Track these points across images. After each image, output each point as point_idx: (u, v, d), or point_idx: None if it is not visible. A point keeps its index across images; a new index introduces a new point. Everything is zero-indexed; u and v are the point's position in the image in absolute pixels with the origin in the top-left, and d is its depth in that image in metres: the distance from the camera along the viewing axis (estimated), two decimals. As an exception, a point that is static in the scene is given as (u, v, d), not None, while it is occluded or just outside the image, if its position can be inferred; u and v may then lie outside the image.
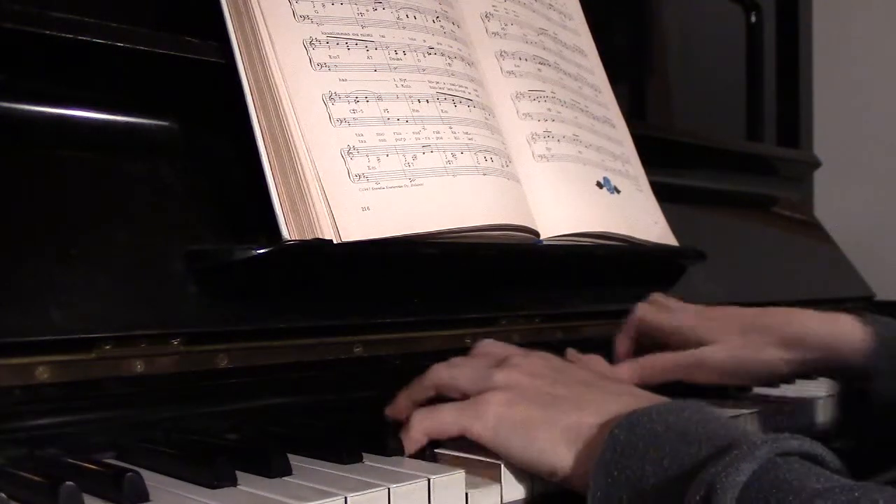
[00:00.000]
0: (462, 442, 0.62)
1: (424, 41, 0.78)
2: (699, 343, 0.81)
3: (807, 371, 0.83)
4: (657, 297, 0.89)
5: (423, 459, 0.61)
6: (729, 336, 0.81)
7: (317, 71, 0.71)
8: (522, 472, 0.59)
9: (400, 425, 0.64)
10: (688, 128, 1.32)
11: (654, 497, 0.51)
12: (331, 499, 0.50)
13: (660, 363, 0.82)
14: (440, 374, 0.67)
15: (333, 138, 0.69)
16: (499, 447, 0.60)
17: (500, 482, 0.58)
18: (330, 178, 0.68)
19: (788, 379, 0.85)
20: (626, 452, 0.53)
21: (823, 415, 0.88)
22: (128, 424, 0.64)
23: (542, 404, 0.60)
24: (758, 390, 0.90)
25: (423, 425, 0.62)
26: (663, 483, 0.50)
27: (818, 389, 0.91)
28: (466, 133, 0.77)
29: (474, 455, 0.60)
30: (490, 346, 0.70)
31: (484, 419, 0.60)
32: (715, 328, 0.82)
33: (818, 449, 0.50)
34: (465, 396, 0.64)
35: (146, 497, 0.50)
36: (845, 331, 0.79)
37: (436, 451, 0.62)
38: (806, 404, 0.88)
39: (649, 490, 0.51)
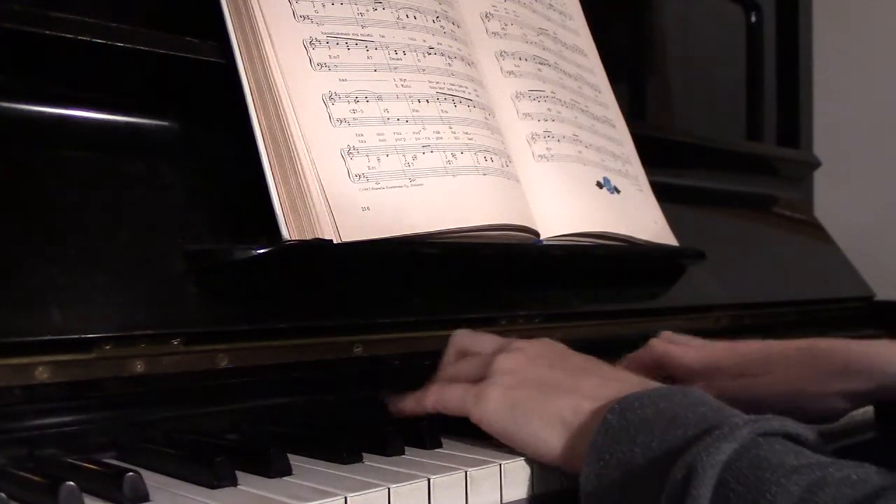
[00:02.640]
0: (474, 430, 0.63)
1: (424, 41, 0.78)
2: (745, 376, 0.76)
3: (861, 403, 0.78)
4: (669, 334, 0.85)
5: (424, 448, 0.62)
6: (776, 370, 0.76)
7: (317, 71, 0.71)
8: (522, 472, 0.59)
9: (402, 422, 0.66)
10: (688, 128, 1.32)
11: (643, 478, 0.52)
12: (331, 499, 0.50)
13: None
14: (447, 369, 0.69)
15: (333, 138, 0.69)
16: (497, 431, 0.61)
17: (500, 481, 0.58)
18: (330, 178, 0.68)
19: (845, 413, 0.78)
20: (617, 436, 0.54)
21: None
22: (128, 424, 0.64)
23: (540, 388, 0.61)
24: None
25: (435, 398, 0.65)
26: (651, 464, 0.52)
27: None
28: (466, 133, 0.77)
29: (476, 454, 0.60)
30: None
31: (484, 403, 0.62)
32: (760, 363, 0.77)
33: (799, 429, 0.51)
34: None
35: (146, 497, 0.50)
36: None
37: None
38: None
39: (638, 472, 0.52)
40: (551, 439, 0.59)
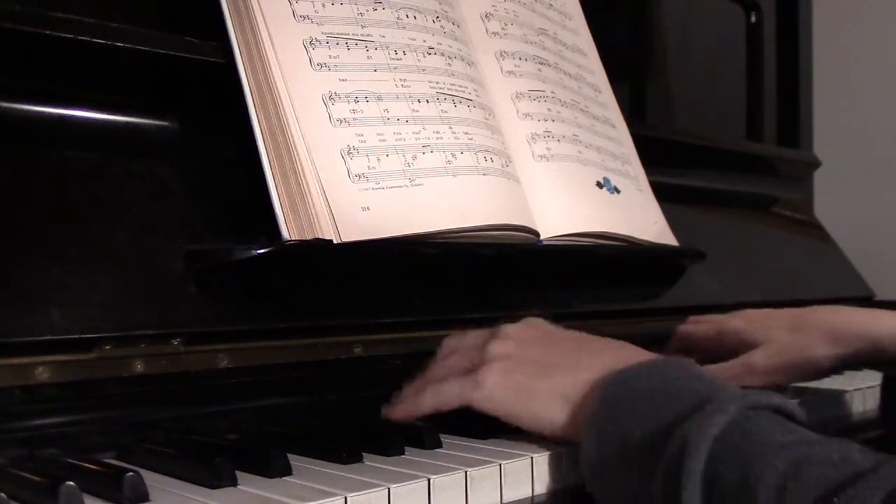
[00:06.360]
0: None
1: (424, 41, 0.78)
2: (747, 344, 0.85)
3: (852, 365, 0.87)
4: (693, 318, 0.92)
5: (424, 448, 0.63)
6: (776, 335, 0.84)
7: (317, 71, 0.71)
8: (522, 472, 0.59)
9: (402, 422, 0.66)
10: (688, 128, 1.32)
11: (641, 450, 0.54)
12: (331, 499, 0.50)
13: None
14: (436, 369, 0.69)
15: (333, 138, 0.69)
16: (500, 411, 0.63)
17: (500, 481, 0.58)
18: (330, 178, 0.68)
19: (831, 373, 0.88)
20: (617, 407, 0.56)
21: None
22: (128, 424, 0.63)
23: (537, 368, 0.64)
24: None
25: (432, 400, 0.66)
26: (648, 437, 0.54)
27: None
28: (466, 133, 0.77)
29: (476, 454, 0.60)
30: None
31: (483, 387, 0.64)
32: (761, 329, 0.85)
33: (787, 404, 0.54)
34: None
35: (146, 497, 0.50)
36: (889, 325, 0.82)
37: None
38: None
39: (636, 444, 0.54)
40: (554, 414, 0.61)
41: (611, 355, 0.63)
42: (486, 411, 0.64)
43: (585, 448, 0.57)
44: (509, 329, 0.68)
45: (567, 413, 0.61)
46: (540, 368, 0.63)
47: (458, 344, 0.70)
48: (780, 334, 0.84)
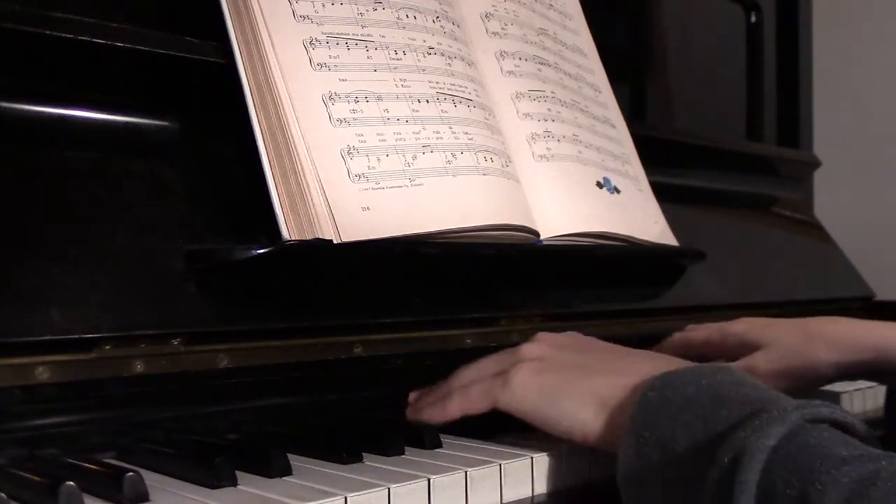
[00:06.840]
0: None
1: (424, 41, 0.78)
2: (749, 347, 0.83)
3: (855, 375, 0.84)
4: (691, 326, 0.91)
5: (424, 448, 0.62)
6: (780, 339, 0.82)
7: (317, 71, 0.71)
8: (522, 472, 0.59)
9: (402, 422, 0.66)
10: (688, 128, 1.32)
11: (685, 459, 0.51)
12: (331, 499, 0.50)
13: None
14: (464, 374, 0.67)
15: (333, 138, 0.69)
16: (527, 414, 0.61)
17: (500, 481, 0.58)
18: (330, 178, 0.68)
19: (835, 381, 0.86)
20: (658, 413, 0.53)
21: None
22: (128, 424, 0.64)
23: (571, 370, 0.61)
24: None
25: (459, 404, 0.64)
26: (694, 445, 0.51)
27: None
28: (466, 133, 0.77)
29: (476, 454, 0.60)
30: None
31: (510, 388, 0.61)
32: (767, 332, 0.83)
33: (848, 417, 0.50)
34: None
35: (146, 497, 0.50)
36: (894, 336, 0.80)
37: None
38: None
39: (680, 452, 0.51)
40: (587, 417, 0.58)
41: (653, 362, 0.60)
42: (513, 412, 0.62)
43: (622, 455, 0.54)
44: (544, 334, 0.67)
45: (602, 417, 0.58)
46: (573, 371, 0.61)
47: (484, 360, 0.68)
48: (783, 338, 0.83)
